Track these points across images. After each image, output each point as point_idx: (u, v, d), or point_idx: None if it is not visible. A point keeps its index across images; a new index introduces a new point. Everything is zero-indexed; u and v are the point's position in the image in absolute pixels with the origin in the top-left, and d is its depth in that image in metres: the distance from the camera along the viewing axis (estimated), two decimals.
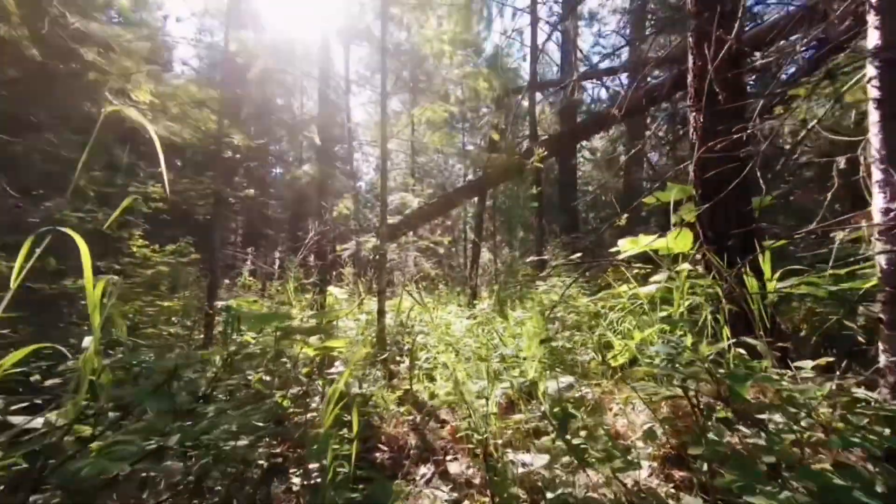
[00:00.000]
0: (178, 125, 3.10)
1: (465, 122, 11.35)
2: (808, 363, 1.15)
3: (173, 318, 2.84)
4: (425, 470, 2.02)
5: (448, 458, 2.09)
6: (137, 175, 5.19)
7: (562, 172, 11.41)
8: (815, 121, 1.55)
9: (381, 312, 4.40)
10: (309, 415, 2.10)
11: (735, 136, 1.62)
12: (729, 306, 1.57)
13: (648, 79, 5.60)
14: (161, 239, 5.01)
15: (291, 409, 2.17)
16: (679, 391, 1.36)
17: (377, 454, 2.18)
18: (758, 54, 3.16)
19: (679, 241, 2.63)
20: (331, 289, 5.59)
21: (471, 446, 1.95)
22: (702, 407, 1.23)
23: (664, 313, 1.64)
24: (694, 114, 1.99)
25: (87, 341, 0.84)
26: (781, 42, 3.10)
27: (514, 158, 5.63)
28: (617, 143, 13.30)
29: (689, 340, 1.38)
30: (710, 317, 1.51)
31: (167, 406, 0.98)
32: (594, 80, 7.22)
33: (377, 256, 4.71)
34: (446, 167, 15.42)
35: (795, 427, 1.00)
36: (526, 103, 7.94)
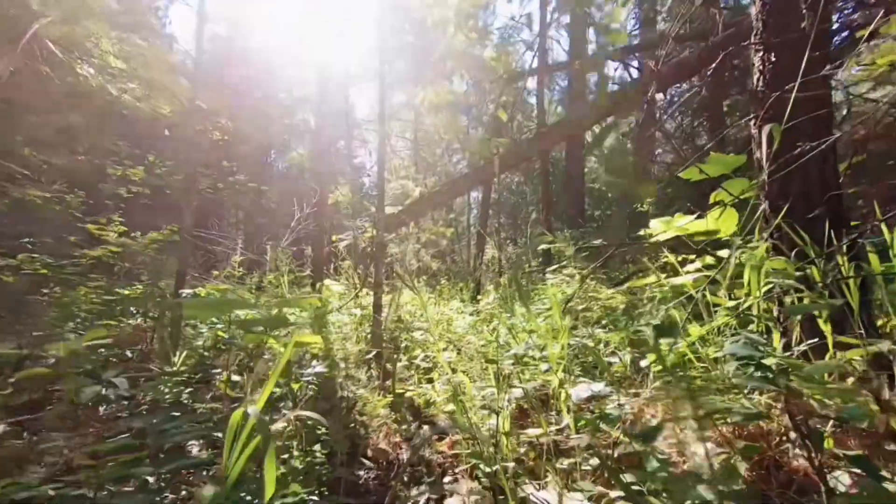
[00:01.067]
0: (147, 90, 2.73)
1: (470, 112, 10.94)
2: None
3: (132, 308, 2.49)
4: (417, 493, 1.65)
5: (447, 479, 1.72)
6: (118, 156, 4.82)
7: (569, 165, 10.98)
8: None
9: (378, 306, 4.04)
10: (278, 425, 1.73)
11: (821, 75, 1.24)
12: (809, 296, 1.19)
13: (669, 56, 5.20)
14: (146, 227, 4.66)
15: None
16: (763, 409, 0.98)
17: (361, 472, 1.82)
18: None
19: (723, 221, 2.23)
20: (327, 282, 5.24)
21: (473, 468, 1.58)
22: (809, 436, 0.85)
23: (731, 303, 1.26)
24: (762, 52, 1.58)
25: None
26: None
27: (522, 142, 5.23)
28: (628, 135, 12.85)
29: (776, 339, 1.01)
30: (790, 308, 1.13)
31: None
32: (613, 60, 6.81)
33: (374, 246, 4.35)
34: (450, 162, 15.06)
35: None
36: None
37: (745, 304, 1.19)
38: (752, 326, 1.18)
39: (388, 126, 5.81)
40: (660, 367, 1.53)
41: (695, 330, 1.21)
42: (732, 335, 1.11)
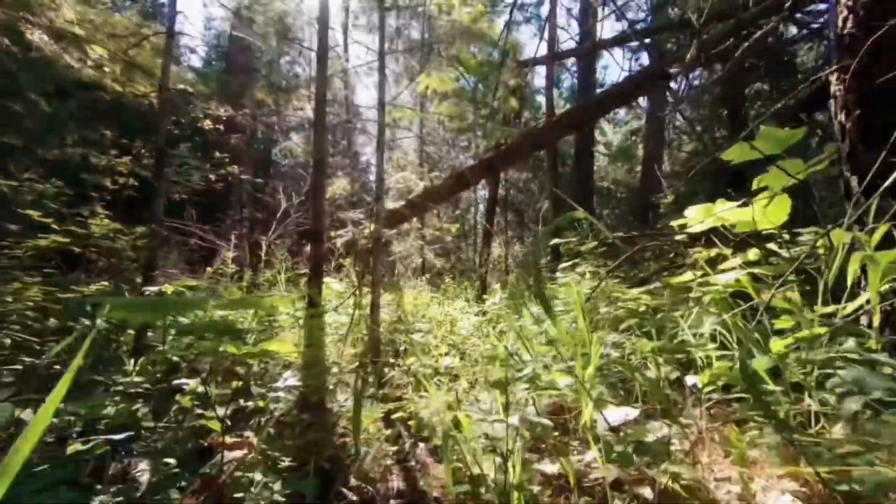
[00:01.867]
0: (112, 65, 2.44)
1: (477, 105, 10.60)
2: None
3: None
4: None
5: None
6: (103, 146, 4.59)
7: (578, 160, 10.62)
8: None
9: (375, 306, 3.74)
10: (237, 452, 1.44)
11: None
12: None
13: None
14: (137, 222, 4.41)
15: (223, 436, 1.52)
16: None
17: None
18: None
19: (773, 210, 1.91)
20: (327, 280, 4.96)
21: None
22: None
23: (828, 309, 0.94)
24: None
25: None
26: None
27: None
28: (637, 133, 12.47)
29: None
30: None
31: None
32: (622, 45, 6.44)
33: (372, 241, 4.05)
34: (457, 158, 14.76)
35: None
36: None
37: (851, 308, 0.87)
38: (853, 340, 0.87)
39: (390, 115, 5.49)
40: (712, 388, 1.21)
41: (777, 344, 0.88)
42: (837, 351, 0.79)
